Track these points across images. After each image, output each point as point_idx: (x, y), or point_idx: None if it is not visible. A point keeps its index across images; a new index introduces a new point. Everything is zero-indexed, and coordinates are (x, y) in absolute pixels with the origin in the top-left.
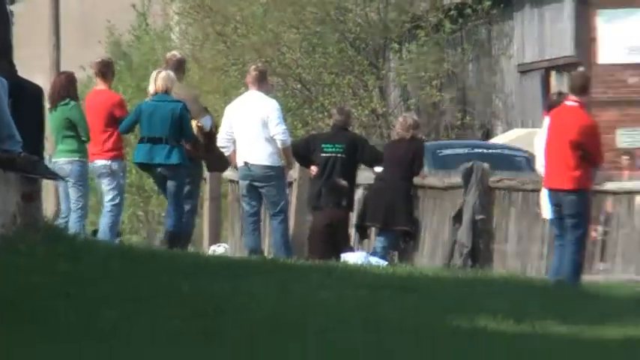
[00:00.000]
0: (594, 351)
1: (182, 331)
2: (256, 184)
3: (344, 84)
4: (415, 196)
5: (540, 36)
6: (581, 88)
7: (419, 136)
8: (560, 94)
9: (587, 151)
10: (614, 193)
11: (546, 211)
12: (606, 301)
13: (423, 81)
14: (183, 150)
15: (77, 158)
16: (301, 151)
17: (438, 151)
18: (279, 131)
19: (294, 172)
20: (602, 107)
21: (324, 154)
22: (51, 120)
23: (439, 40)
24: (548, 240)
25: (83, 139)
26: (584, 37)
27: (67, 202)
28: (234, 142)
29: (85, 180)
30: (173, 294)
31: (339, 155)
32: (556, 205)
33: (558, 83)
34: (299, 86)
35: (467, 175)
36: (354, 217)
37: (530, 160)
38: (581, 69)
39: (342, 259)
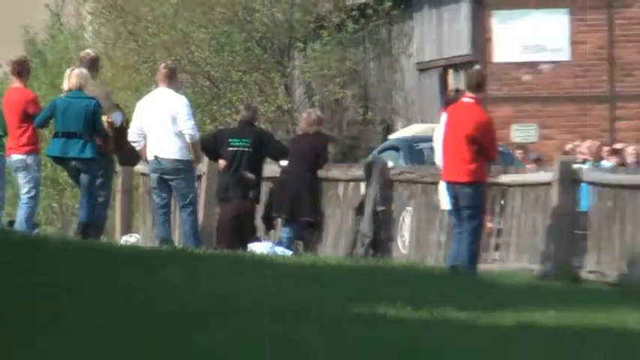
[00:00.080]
0: (490, 336)
1: (97, 320)
2: (166, 177)
3: (251, 81)
4: (319, 189)
5: (438, 36)
6: (477, 86)
7: (322, 131)
8: (457, 91)
9: (483, 146)
10: (509, 185)
11: (445, 202)
12: (501, 289)
13: (327, 78)
14: (96, 145)
15: None
16: (209, 145)
17: (415, 144)
18: (188, 126)
19: (203, 166)
20: (498, 104)
21: (231, 149)
22: None
23: (342, 40)
24: (446, 230)
25: (0, 134)
26: (480, 37)
27: None
28: (144, 137)
29: (2, 174)
30: (88, 283)
31: (245, 149)
32: (453, 197)
33: (455, 81)
34: (207, 83)
35: (368, 169)
36: (260, 208)
37: (503, 153)
38: (477, 67)
39: (249, 249)
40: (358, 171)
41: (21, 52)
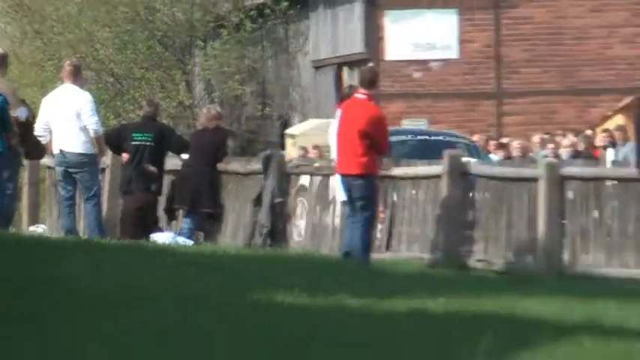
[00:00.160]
0: (384, 322)
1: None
2: (71, 170)
3: (153, 78)
4: (219, 181)
5: (333, 35)
6: (370, 82)
7: (222, 126)
8: (350, 87)
9: (374, 140)
10: (401, 177)
11: (340, 194)
12: (394, 277)
13: (226, 76)
14: (4, 139)
15: None
16: (113, 139)
17: None
18: (92, 122)
19: (107, 159)
20: (390, 99)
21: (134, 143)
22: None
23: (241, 39)
24: (341, 220)
25: None
26: (373, 36)
27: None
28: (50, 132)
29: None
30: None
31: (148, 143)
32: (347, 189)
33: (350, 78)
34: (111, 80)
35: (266, 162)
36: (162, 200)
37: (469, 145)
38: (370, 65)
39: (151, 240)
40: (256, 164)
41: None
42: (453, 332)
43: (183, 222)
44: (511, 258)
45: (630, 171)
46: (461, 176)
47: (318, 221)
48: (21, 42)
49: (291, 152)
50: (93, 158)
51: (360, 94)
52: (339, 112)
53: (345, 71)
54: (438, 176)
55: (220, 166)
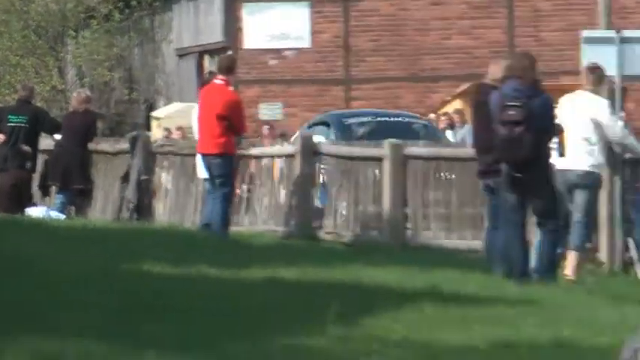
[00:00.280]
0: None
1: None
2: None
3: (28, 65)
4: (89, 160)
5: (195, 25)
6: (227, 69)
7: (91, 109)
8: (210, 73)
9: (232, 122)
10: (257, 157)
11: (201, 171)
12: (251, 248)
13: (96, 63)
14: None
15: None
16: None
17: (344, 119)
18: None
19: None
20: (247, 85)
21: (10, 124)
22: None
23: (109, 28)
24: (202, 196)
25: None
26: (232, 27)
27: None
28: None
29: None
30: None
31: (23, 125)
32: (207, 167)
33: (210, 65)
34: None
35: (133, 142)
36: (37, 177)
37: (427, 125)
38: (229, 53)
39: (26, 214)
40: (124, 144)
41: None
42: (305, 299)
43: (56, 197)
44: (358, 231)
45: (467, 151)
46: (312, 155)
47: (181, 197)
48: None
49: (156, 133)
50: None
51: (219, 80)
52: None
53: (206, 59)
54: (291, 155)
55: (90, 145)
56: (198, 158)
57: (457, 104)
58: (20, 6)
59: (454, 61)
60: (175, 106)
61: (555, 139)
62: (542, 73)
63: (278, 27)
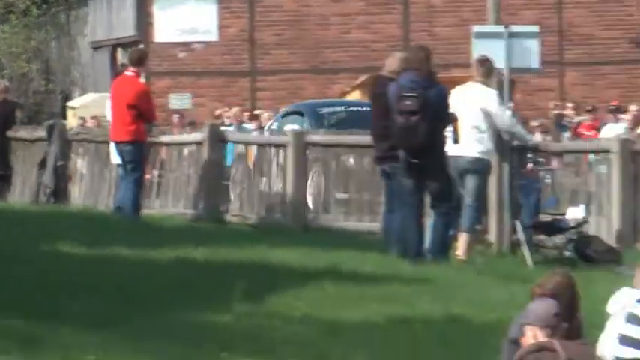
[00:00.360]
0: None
1: None
2: None
3: None
4: (9, 147)
5: (109, 20)
6: (138, 61)
7: (10, 98)
8: (122, 65)
9: (141, 111)
10: (167, 144)
11: (114, 157)
12: (162, 231)
13: (15, 55)
14: None
15: None
16: None
17: (318, 109)
18: None
19: None
20: (158, 77)
21: None
22: None
23: (28, 23)
24: (115, 181)
25: None
26: (144, 21)
27: None
28: None
29: None
30: None
31: None
32: (120, 154)
33: (123, 58)
34: None
35: (50, 130)
36: None
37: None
38: (141, 46)
39: None
40: (42, 132)
41: None
42: (213, 277)
43: None
44: (263, 214)
45: (364, 138)
46: (219, 143)
47: (95, 182)
48: None
49: (72, 122)
50: None
51: (129, 72)
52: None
53: (119, 52)
54: (200, 143)
55: (10, 133)
56: (112, 145)
57: (356, 95)
58: None
59: (353, 54)
60: (90, 97)
61: (450, 128)
62: (436, 66)
63: (187, 22)
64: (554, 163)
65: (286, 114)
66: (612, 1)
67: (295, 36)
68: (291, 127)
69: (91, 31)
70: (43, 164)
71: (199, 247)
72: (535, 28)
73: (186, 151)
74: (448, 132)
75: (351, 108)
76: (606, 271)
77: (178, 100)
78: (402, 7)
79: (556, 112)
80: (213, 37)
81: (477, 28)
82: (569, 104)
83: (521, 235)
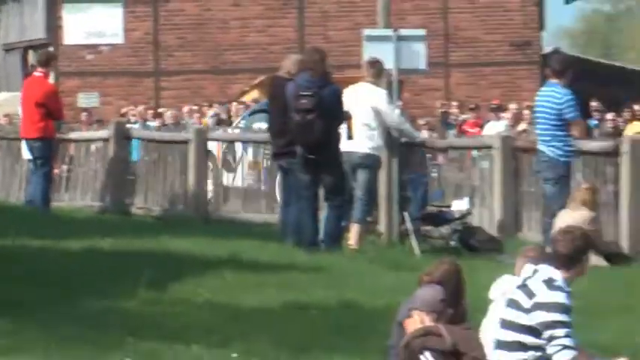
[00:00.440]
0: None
1: None
2: None
3: None
4: None
5: (21, 23)
6: (45, 62)
7: None
8: (32, 66)
9: (49, 110)
10: (76, 140)
11: (25, 153)
12: (71, 222)
13: None
14: None
15: None
16: None
17: None
18: None
19: None
20: (68, 77)
21: None
22: None
23: None
24: (26, 176)
25: None
26: (53, 24)
27: None
28: None
29: None
30: None
31: None
32: (30, 150)
33: (33, 59)
34: None
35: None
36: None
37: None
38: (49, 48)
39: None
40: None
41: None
42: (119, 267)
43: None
44: (166, 206)
45: (262, 135)
46: (124, 139)
47: (7, 176)
48: None
49: None
50: None
51: (38, 72)
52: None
53: (30, 53)
54: (106, 139)
55: None
56: (24, 142)
57: (254, 94)
58: None
59: (251, 56)
60: (3, 96)
61: (344, 125)
62: (330, 67)
63: (95, 25)
64: (440, 159)
65: (253, 112)
66: (495, 7)
67: (197, 38)
68: (258, 124)
69: (4, 34)
70: None
71: (106, 238)
72: (422, 32)
73: (93, 147)
74: (343, 129)
75: None
76: (489, 260)
77: (86, 99)
78: (298, 12)
79: (442, 110)
80: (119, 39)
81: (367, 32)
82: (454, 103)
83: (409, 225)
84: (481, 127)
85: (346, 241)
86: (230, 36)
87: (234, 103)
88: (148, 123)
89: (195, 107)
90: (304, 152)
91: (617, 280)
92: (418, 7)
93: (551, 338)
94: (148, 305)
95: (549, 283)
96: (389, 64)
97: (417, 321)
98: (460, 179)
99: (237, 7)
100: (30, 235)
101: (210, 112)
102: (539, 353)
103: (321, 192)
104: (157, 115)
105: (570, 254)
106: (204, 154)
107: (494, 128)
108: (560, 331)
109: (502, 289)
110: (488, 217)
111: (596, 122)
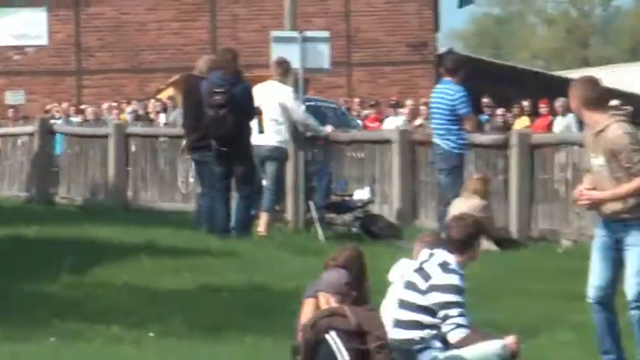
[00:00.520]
0: None
1: None
2: None
3: None
4: None
5: None
6: None
7: None
8: None
9: None
10: (3, 135)
11: None
12: None
13: None
14: None
15: None
16: None
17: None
18: None
19: None
20: None
21: None
22: None
23: None
24: None
25: None
26: None
27: None
28: None
29: None
30: None
31: None
32: None
33: None
34: None
35: None
36: None
37: (336, 109)
38: None
39: None
40: None
41: None
42: (44, 253)
43: None
44: (88, 196)
45: (177, 130)
46: (49, 134)
47: None
48: None
49: None
50: None
51: None
52: None
53: None
54: (32, 134)
55: None
56: None
57: (170, 92)
58: None
59: (167, 56)
60: None
61: (255, 120)
62: (241, 66)
63: (20, 28)
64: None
65: None
66: (394, 10)
67: (116, 40)
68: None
69: None
70: None
71: (31, 226)
72: (326, 34)
73: (19, 141)
74: (254, 124)
75: None
76: (388, 245)
77: (13, 97)
78: (210, 15)
79: (345, 106)
80: (43, 41)
81: (275, 34)
82: (356, 100)
83: (314, 213)
84: (381, 121)
85: (256, 228)
86: (147, 37)
87: (152, 100)
88: (71, 119)
89: (115, 104)
90: (217, 145)
91: (506, 263)
92: (322, 11)
93: (445, 317)
94: (71, 289)
95: (444, 266)
96: (295, 63)
97: (322, 302)
98: (361, 170)
99: (153, 11)
100: None
101: (129, 108)
102: (434, 331)
103: (233, 182)
104: (79, 112)
105: (463, 239)
106: (124, 147)
107: (393, 123)
108: (454, 311)
109: (400, 272)
110: (387, 206)
111: (487, 117)
